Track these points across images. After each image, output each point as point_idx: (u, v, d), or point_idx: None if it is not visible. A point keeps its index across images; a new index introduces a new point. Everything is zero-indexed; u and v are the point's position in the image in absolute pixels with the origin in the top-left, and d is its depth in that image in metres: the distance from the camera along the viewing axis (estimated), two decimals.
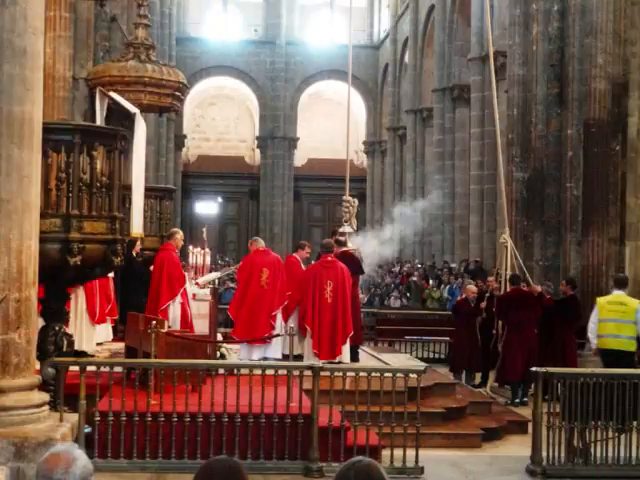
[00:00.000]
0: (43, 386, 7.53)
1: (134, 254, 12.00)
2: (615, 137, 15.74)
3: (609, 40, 15.57)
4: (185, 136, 38.25)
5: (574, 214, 16.29)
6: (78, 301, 11.87)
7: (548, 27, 16.78)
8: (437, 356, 17.36)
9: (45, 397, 7.40)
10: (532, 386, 9.69)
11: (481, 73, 23.58)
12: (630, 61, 15.82)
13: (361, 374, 8.42)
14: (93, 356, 10.86)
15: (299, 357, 11.04)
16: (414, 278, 25.43)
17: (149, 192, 13.70)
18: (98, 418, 7.88)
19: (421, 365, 10.74)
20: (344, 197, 14.56)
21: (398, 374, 8.42)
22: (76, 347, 9.02)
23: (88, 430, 7.88)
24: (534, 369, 8.72)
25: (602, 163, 15.66)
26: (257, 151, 39.53)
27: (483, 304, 14.23)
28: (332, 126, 40.03)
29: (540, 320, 13.26)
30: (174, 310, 11.39)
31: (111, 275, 12.12)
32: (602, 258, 15.55)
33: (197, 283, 13.01)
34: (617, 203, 15.68)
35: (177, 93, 13.87)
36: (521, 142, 17.31)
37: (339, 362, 10.95)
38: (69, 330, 8.91)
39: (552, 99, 16.81)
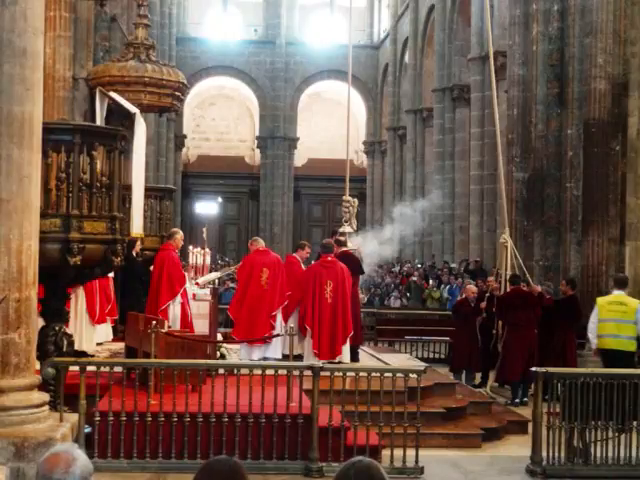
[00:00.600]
0: (43, 386, 7.53)
1: (134, 254, 12.00)
2: (615, 137, 15.74)
3: (609, 40, 15.57)
4: (185, 136, 38.26)
5: (574, 214, 16.30)
6: (78, 301, 11.87)
7: (548, 27, 16.79)
8: (437, 356, 17.36)
9: (45, 397, 7.40)
10: (532, 386, 9.69)
11: (481, 73, 23.58)
12: (630, 61, 15.82)
13: (361, 374, 8.42)
14: (93, 356, 10.86)
15: (299, 357, 11.04)
16: (414, 278, 25.43)
17: (149, 192, 13.70)
18: (98, 418, 7.88)
19: (421, 365, 10.74)
20: (344, 197, 14.56)
21: (398, 374, 8.42)
22: (76, 347, 9.01)
23: (88, 430, 7.89)
24: (534, 369, 8.73)
25: (602, 163, 15.66)
26: (257, 151, 39.54)
27: (483, 304, 14.22)
28: (332, 126, 40.03)
29: (540, 320, 13.26)
30: (174, 310, 11.39)
31: (111, 275, 12.13)
32: (602, 258, 15.55)
33: (197, 283, 13.00)
34: (617, 203, 15.68)
35: (177, 93, 13.87)
36: (521, 142, 17.31)
37: (339, 362, 10.95)
38: (69, 330, 8.91)
39: (552, 99, 16.82)
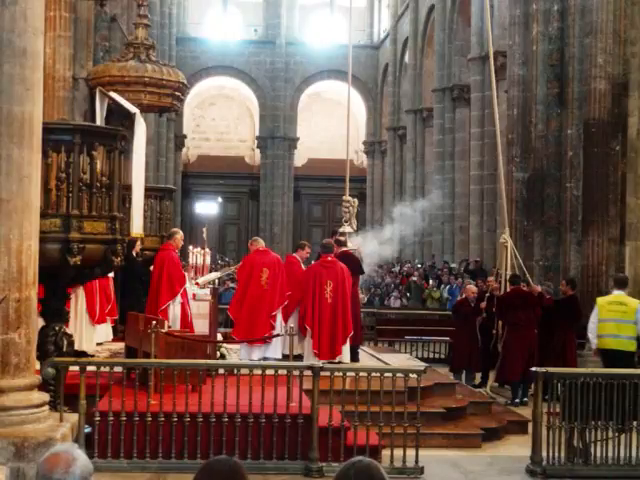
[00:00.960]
0: (43, 386, 7.53)
1: (134, 254, 12.00)
2: (615, 137, 15.74)
3: (609, 40, 15.57)
4: (185, 136, 38.27)
5: (574, 214, 16.30)
6: (78, 301, 11.88)
7: (548, 27, 16.79)
8: (437, 356, 17.36)
9: (45, 397, 7.40)
10: (532, 386, 9.68)
11: (481, 73, 23.57)
12: (630, 61, 15.82)
13: (361, 374, 8.42)
14: (93, 356, 10.86)
15: (299, 357, 11.04)
16: (414, 278, 25.43)
17: (149, 192, 13.70)
18: (98, 418, 7.88)
19: (421, 365, 10.74)
20: (344, 197, 14.56)
21: (398, 374, 8.42)
22: (76, 347, 9.02)
23: (88, 430, 7.89)
24: (534, 369, 8.73)
25: (602, 163, 15.66)
26: (257, 151, 39.54)
27: (483, 304, 14.22)
28: (332, 126, 39.99)
29: (540, 320, 13.25)
30: (174, 310, 11.39)
31: (111, 275, 12.13)
32: (602, 258, 15.55)
33: (197, 283, 13.00)
34: (617, 203, 15.68)
35: (177, 93, 13.87)
36: (521, 142, 17.31)
37: (339, 362, 10.95)
38: (69, 330, 8.91)
39: (552, 99, 16.81)
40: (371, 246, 15.00)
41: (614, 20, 15.56)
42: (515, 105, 17.55)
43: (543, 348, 12.99)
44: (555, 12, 16.68)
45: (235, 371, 8.19)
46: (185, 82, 14.06)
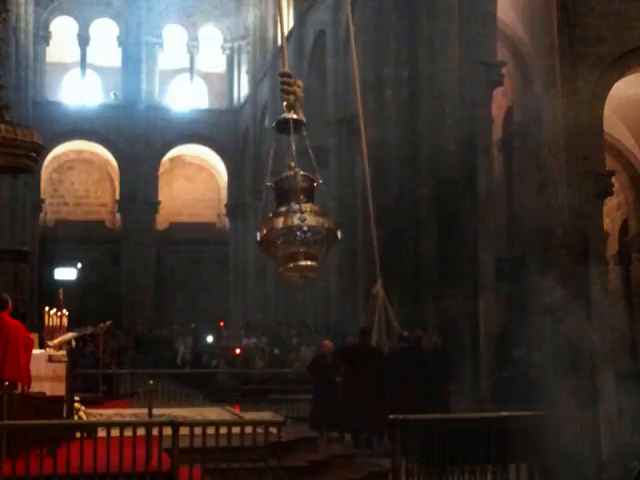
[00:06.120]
0: None
1: None
2: (466, 195, 16.44)
3: (457, 103, 16.37)
4: (43, 200, 37.49)
5: (430, 270, 16.79)
6: None
7: (400, 91, 17.47)
8: (302, 415, 17.37)
9: None
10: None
11: (337, 136, 24.19)
12: (476, 123, 16.67)
13: (222, 428, 8.33)
14: None
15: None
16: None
17: (3, 254, 13.33)
18: None
19: (281, 418, 10.75)
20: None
21: (258, 427, 8.40)
22: None
23: None
24: (391, 417, 8.88)
25: (454, 220, 16.29)
26: (118, 215, 39.00)
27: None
28: (194, 189, 40.20)
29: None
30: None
31: None
32: (458, 313, 16.05)
33: (49, 345, 12.49)
34: (470, 259, 16.30)
35: (32, 154, 13.67)
36: (377, 201, 17.76)
37: None
38: None
39: (406, 160, 17.41)
40: None
41: (459, 85, 16.40)
42: (371, 166, 18.05)
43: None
44: (405, 77, 17.40)
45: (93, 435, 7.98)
46: (41, 142, 13.87)
